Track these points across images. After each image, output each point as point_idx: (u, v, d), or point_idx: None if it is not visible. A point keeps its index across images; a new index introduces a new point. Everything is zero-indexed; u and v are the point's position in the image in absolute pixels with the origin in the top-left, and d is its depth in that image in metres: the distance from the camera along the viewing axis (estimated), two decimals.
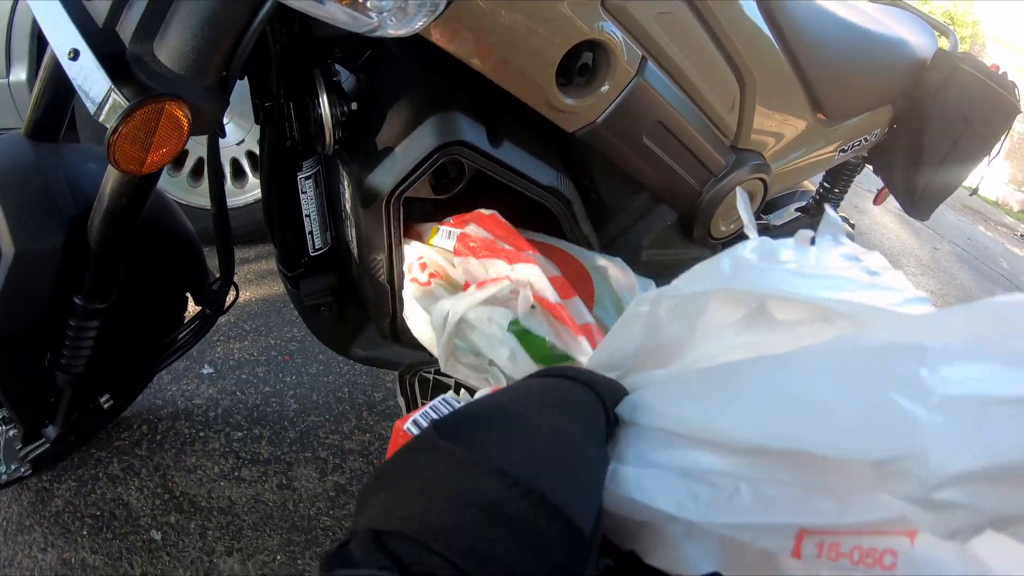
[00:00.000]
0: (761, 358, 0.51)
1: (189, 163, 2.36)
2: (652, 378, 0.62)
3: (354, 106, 1.15)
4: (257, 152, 1.48)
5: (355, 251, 1.33)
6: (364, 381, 2.19)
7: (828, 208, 0.59)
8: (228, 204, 2.36)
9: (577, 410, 0.53)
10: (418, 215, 1.28)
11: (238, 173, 2.44)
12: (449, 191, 1.25)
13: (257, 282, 2.43)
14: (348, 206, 1.28)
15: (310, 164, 1.26)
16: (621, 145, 1.28)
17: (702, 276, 0.63)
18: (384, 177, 1.15)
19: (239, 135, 2.33)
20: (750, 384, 0.49)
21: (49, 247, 1.14)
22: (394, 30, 0.86)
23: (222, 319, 2.21)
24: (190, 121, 0.93)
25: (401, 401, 1.33)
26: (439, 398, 0.73)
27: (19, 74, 2.17)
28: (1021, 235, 7.94)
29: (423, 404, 0.69)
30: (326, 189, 1.33)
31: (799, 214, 2.10)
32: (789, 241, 0.70)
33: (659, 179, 1.40)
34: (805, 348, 0.49)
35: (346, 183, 1.25)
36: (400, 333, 1.44)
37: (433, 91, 1.17)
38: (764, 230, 1.94)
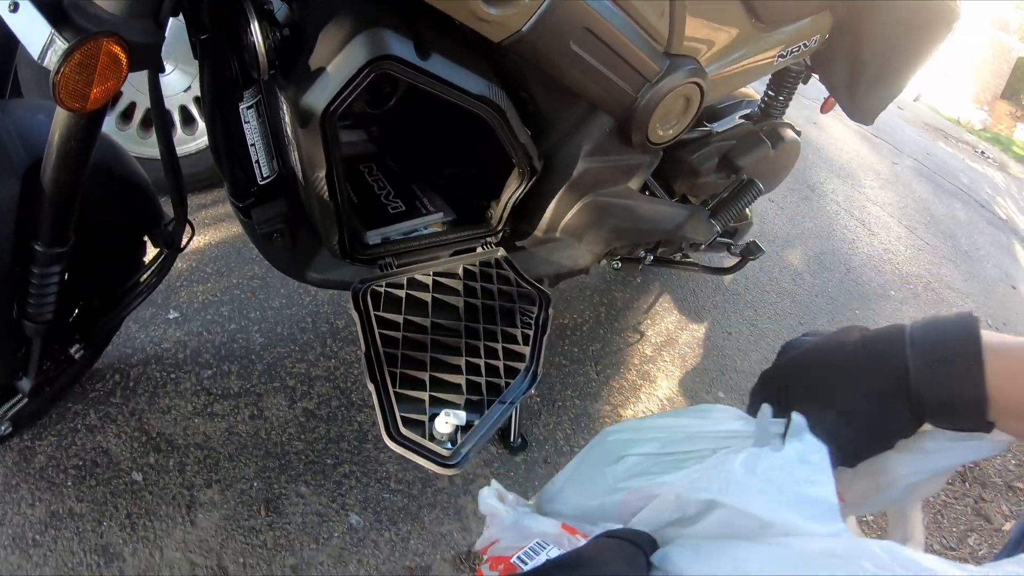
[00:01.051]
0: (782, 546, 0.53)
1: (138, 115, 2.34)
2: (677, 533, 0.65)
3: (286, 32, 1.18)
4: None
5: (300, 174, 1.37)
6: (327, 310, 2.24)
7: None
8: (180, 151, 2.40)
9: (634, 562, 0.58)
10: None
11: (187, 120, 2.42)
12: (383, 106, 1.29)
13: (215, 226, 2.44)
14: (289, 130, 1.31)
15: (250, 94, 1.29)
16: (549, 53, 1.30)
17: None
18: (318, 95, 1.19)
19: (185, 82, 2.32)
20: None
21: (5, 197, 1.17)
22: None
23: (183, 264, 2.25)
24: (128, 57, 0.98)
25: (354, 314, 1.38)
26: (534, 541, 0.71)
27: None
28: (981, 152, 7.99)
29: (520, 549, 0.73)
30: (268, 118, 1.36)
31: (743, 121, 2.14)
32: None
33: (592, 87, 1.42)
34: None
35: (285, 107, 1.28)
36: (351, 249, 1.49)
37: (360, 10, 1.21)
38: (707, 136, 1.98)
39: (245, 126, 1.32)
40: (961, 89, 10.30)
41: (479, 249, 1.65)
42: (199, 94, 2.35)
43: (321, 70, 1.19)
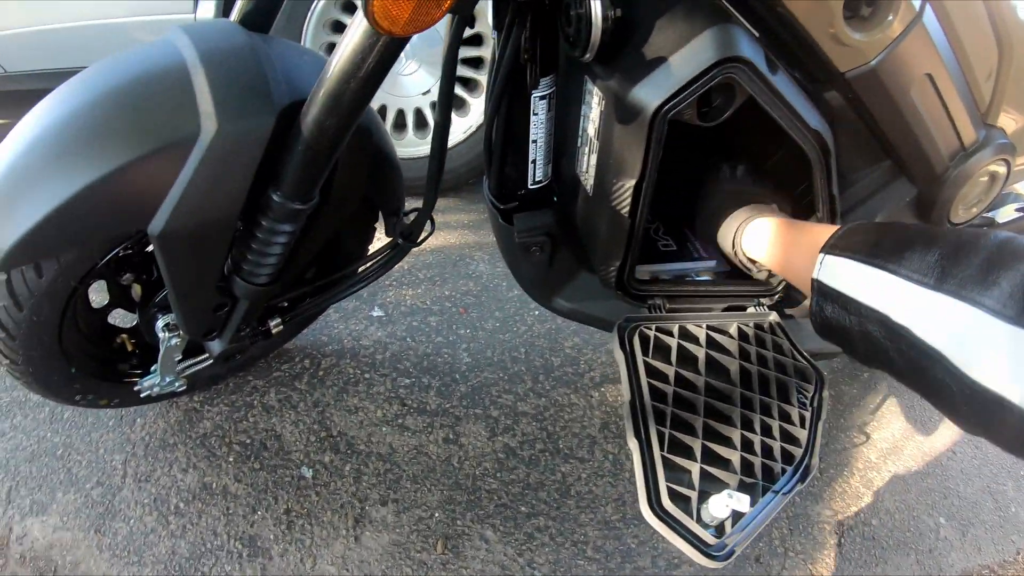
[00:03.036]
0: None
1: (389, 117, 2.37)
2: None
3: (619, 12, 1.04)
4: None
5: (591, 182, 1.24)
6: (542, 344, 2.09)
7: None
8: (412, 153, 2.36)
9: None
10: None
11: (421, 123, 2.41)
12: (715, 119, 1.14)
13: (436, 233, 2.34)
14: (594, 128, 1.18)
15: (547, 83, 1.17)
16: (888, 95, 1.20)
17: None
18: (653, 91, 1.05)
19: (425, 85, 2.30)
20: None
21: (256, 128, 1.05)
22: None
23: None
24: None
25: (619, 356, 1.22)
26: None
27: (207, 10, 2.14)
28: None
29: None
30: (558, 116, 1.24)
31: (1021, 214, 1.93)
32: None
33: (911, 144, 1.30)
34: None
35: (596, 100, 1.15)
36: (627, 283, 1.34)
37: (711, 4, 1.06)
38: (988, 225, 1.81)
39: (532, 118, 1.20)
40: None
41: (750, 309, 1.47)
42: (435, 99, 2.32)
43: (659, 61, 1.05)
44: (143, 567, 1.42)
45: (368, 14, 0.82)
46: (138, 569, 1.41)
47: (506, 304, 2.17)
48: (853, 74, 1.13)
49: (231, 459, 1.61)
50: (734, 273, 1.52)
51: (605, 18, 1.02)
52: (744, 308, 1.47)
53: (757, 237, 1.25)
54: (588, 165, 1.22)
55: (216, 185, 1.05)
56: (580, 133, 1.24)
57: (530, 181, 1.30)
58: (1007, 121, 1.42)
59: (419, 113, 2.38)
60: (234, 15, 1.18)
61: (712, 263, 1.53)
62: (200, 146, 1.02)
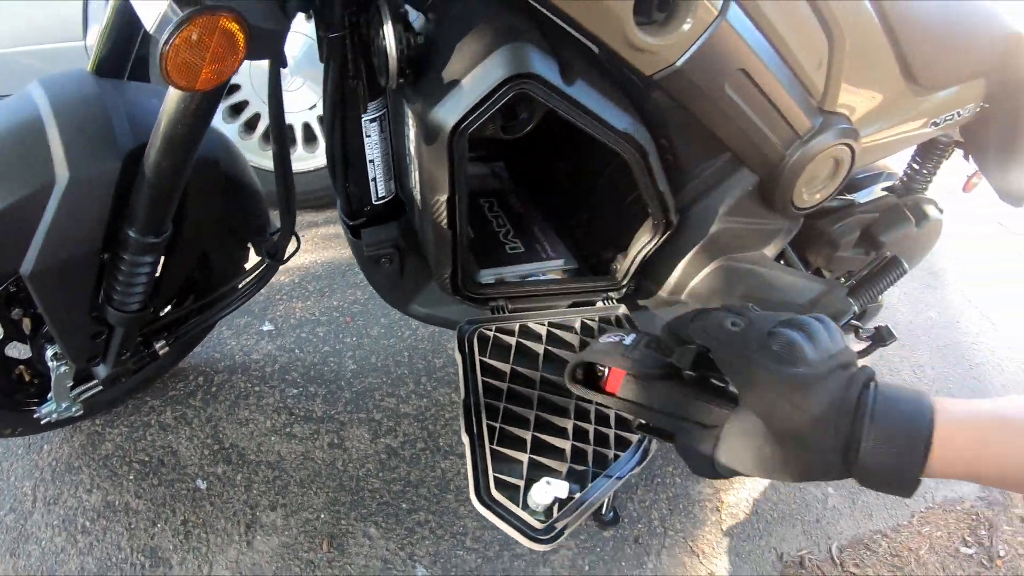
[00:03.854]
0: None
1: (261, 127, 2.38)
2: None
3: (420, 39, 1.10)
4: None
5: (418, 196, 1.28)
6: (425, 347, 2.16)
7: None
8: (298, 168, 2.39)
9: None
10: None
11: (309, 138, 2.44)
12: (517, 132, 1.20)
13: (323, 246, 2.42)
14: (412, 146, 1.23)
15: (376, 106, 1.22)
16: (702, 93, 1.22)
17: None
18: (449, 111, 1.10)
19: (311, 100, 2.33)
20: None
21: (104, 173, 1.13)
22: None
23: (285, 278, 2.24)
24: (247, 38, 0.92)
25: (457, 357, 1.28)
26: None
27: (96, 36, 2.17)
28: None
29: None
30: (392, 134, 1.30)
31: (886, 194, 2.01)
32: None
33: (740, 137, 1.33)
34: None
35: (410, 122, 1.21)
36: (462, 286, 1.39)
37: (503, 23, 1.12)
38: (849, 207, 1.86)
39: (366, 140, 1.26)
40: None
41: (599, 304, 1.53)
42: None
43: (455, 83, 1.10)
44: None
45: (166, 76, 0.88)
46: None
47: (391, 311, 2.21)
48: (660, 76, 1.16)
49: (131, 477, 1.66)
50: (582, 271, 1.58)
51: (399, 48, 1.06)
52: (593, 303, 1.53)
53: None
54: (415, 181, 1.27)
55: (75, 226, 1.14)
56: (407, 151, 1.29)
57: (374, 198, 1.35)
58: (849, 106, 1.45)
59: (307, 128, 2.41)
60: (89, 64, 1.25)
61: (559, 262, 1.58)
62: (56, 192, 1.10)
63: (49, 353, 1.42)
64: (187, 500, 1.65)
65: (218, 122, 1.78)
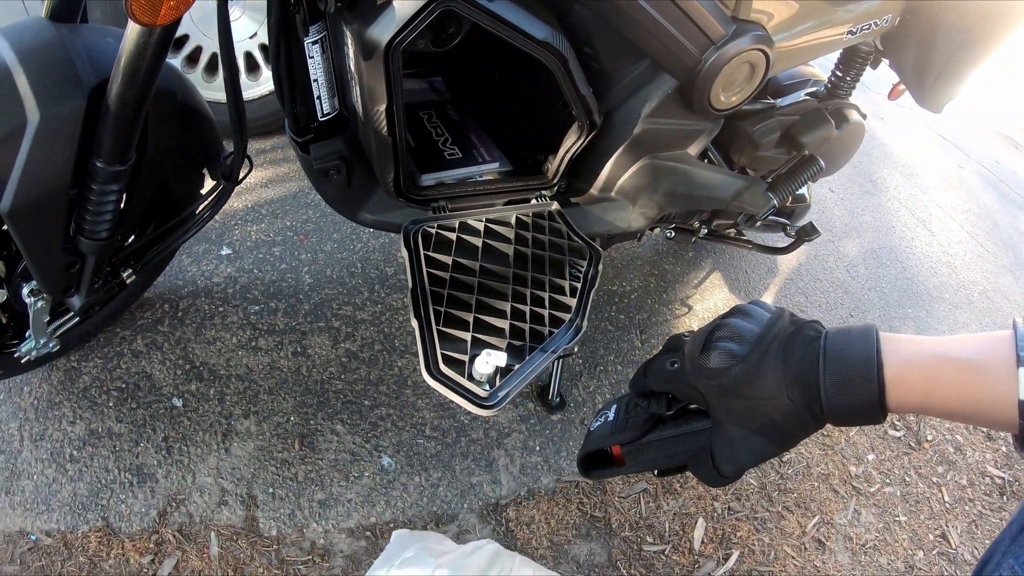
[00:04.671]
0: None
1: (203, 59, 2.39)
2: None
3: None
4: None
5: (360, 109, 1.37)
6: (377, 257, 2.26)
7: None
8: (245, 96, 2.43)
9: None
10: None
11: (252, 67, 2.47)
12: (447, 45, 1.29)
13: (273, 170, 2.49)
14: (352, 64, 1.32)
15: (316, 29, 1.30)
16: (614, 3, 1.31)
17: None
18: (383, 29, 1.20)
19: (252, 28, 2.36)
20: None
21: (71, 110, 1.20)
22: None
23: (239, 203, 2.29)
24: None
25: (404, 252, 1.38)
26: None
27: None
28: None
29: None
30: (333, 54, 1.37)
31: (808, 99, 2.09)
32: None
33: (656, 44, 1.40)
34: None
35: (350, 41, 1.29)
36: (405, 189, 1.49)
37: None
38: (770, 109, 1.95)
39: (309, 61, 1.33)
40: None
41: (533, 201, 1.65)
42: (265, 41, 2.39)
43: (387, 4, 1.20)
44: (51, 513, 1.58)
45: (130, 14, 0.97)
46: (47, 516, 1.58)
47: (343, 226, 2.32)
48: None
49: (111, 404, 1.75)
50: (516, 172, 1.68)
51: None
52: (527, 201, 1.64)
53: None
54: (357, 96, 1.36)
55: (47, 162, 1.22)
56: (347, 69, 1.37)
57: (319, 115, 1.43)
58: (764, 13, 1.50)
59: (249, 56, 2.44)
60: (43, 10, 1.31)
61: (495, 164, 1.69)
62: (29, 132, 1.18)
63: (26, 291, 1.48)
64: (166, 419, 1.75)
65: None
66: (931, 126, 5.57)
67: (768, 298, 2.74)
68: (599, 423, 0.90)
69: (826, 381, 0.68)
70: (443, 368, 1.23)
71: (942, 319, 3.19)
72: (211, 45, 2.38)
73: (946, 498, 2.23)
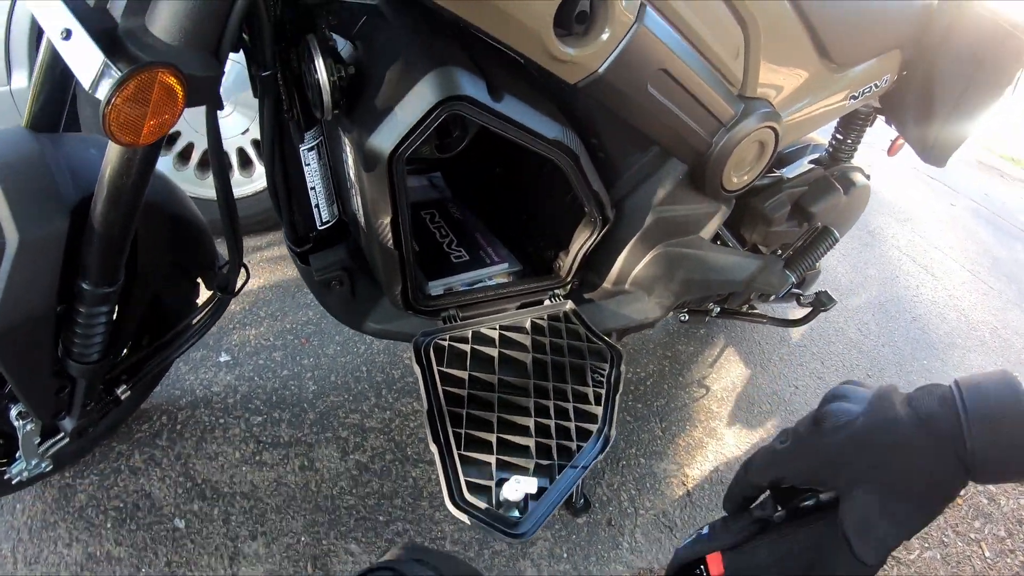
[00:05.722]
0: None
1: (195, 156, 2.36)
2: None
3: (351, 70, 1.14)
4: None
5: (362, 220, 1.32)
6: (382, 359, 2.19)
7: None
8: (236, 194, 2.38)
9: None
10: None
11: (245, 163, 2.43)
12: (453, 149, 1.23)
13: (270, 269, 2.43)
14: (352, 173, 1.27)
15: (312, 135, 1.25)
16: (626, 95, 1.26)
17: None
18: (385, 137, 1.14)
19: (243, 124, 2.33)
20: None
21: (53, 232, 1.13)
22: None
23: (236, 306, 2.23)
24: (184, 89, 0.93)
25: (416, 369, 1.32)
26: None
27: (20, 81, 2.16)
28: None
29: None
30: (330, 160, 1.32)
31: (814, 167, 2.07)
32: None
33: (667, 131, 1.38)
34: None
35: (348, 149, 1.24)
36: (413, 300, 1.43)
37: (430, 48, 1.16)
38: (778, 183, 1.91)
39: (306, 168, 1.29)
40: (1014, 124, 9.99)
41: (547, 302, 1.58)
42: (257, 136, 2.35)
43: (388, 110, 1.14)
44: None
45: (108, 134, 0.90)
46: None
47: (344, 328, 2.19)
48: (584, 83, 1.20)
49: (109, 525, 1.65)
50: (526, 272, 1.62)
51: (332, 81, 1.10)
52: (541, 302, 1.57)
53: None
54: (358, 204, 1.31)
55: (29, 285, 1.14)
56: (347, 177, 1.32)
57: (318, 223, 1.37)
58: (770, 90, 1.49)
59: (242, 152, 2.40)
60: (23, 119, 1.24)
61: (504, 265, 1.63)
62: (7, 255, 1.10)
63: (14, 412, 1.41)
64: (168, 541, 1.65)
65: None
66: (918, 168, 5.61)
67: (784, 367, 2.68)
68: (687, 540, 0.75)
69: (968, 421, 0.58)
70: (468, 497, 1.15)
71: (957, 365, 3.16)
72: (203, 142, 2.34)
73: (987, 553, 2.16)
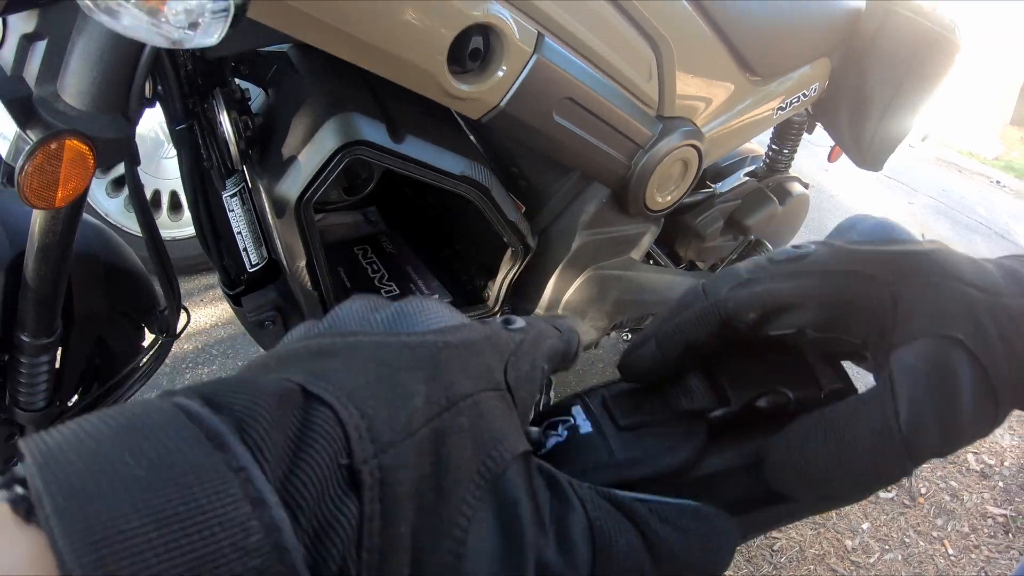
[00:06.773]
0: None
1: (165, 200, 2.37)
2: None
3: (259, 120, 1.17)
4: None
5: (283, 262, 1.34)
6: None
7: None
8: (185, 234, 2.41)
9: None
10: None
11: (176, 206, 2.45)
12: (361, 191, 1.26)
13: (221, 306, 2.43)
14: (268, 218, 1.29)
15: (233, 182, 1.27)
16: (531, 127, 1.26)
17: None
18: (291, 185, 1.17)
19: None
20: None
21: None
22: (199, 41, 0.84)
23: (189, 346, 2.23)
24: (95, 153, 0.96)
25: None
26: None
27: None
28: (996, 181, 7.79)
29: None
30: (255, 204, 1.34)
31: (748, 179, 2.08)
32: None
33: (582, 158, 1.38)
34: None
35: (263, 195, 1.26)
36: None
37: (331, 95, 1.19)
38: (711, 198, 1.92)
39: (230, 214, 1.30)
40: (970, 119, 10.06)
41: None
42: None
43: (293, 159, 1.17)
44: None
45: (25, 200, 0.93)
46: None
47: None
48: (487, 118, 1.20)
49: None
50: (457, 302, 1.64)
51: (237, 134, 1.14)
52: None
53: None
54: (279, 249, 1.33)
55: None
56: (267, 221, 1.34)
57: (248, 266, 1.39)
58: (690, 107, 1.49)
59: (174, 196, 2.42)
60: None
61: (434, 297, 1.63)
62: None
63: None
64: None
65: None
66: (855, 165, 5.62)
67: None
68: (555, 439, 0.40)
69: None
70: None
71: None
72: (168, 186, 2.39)
73: (950, 551, 2.18)
